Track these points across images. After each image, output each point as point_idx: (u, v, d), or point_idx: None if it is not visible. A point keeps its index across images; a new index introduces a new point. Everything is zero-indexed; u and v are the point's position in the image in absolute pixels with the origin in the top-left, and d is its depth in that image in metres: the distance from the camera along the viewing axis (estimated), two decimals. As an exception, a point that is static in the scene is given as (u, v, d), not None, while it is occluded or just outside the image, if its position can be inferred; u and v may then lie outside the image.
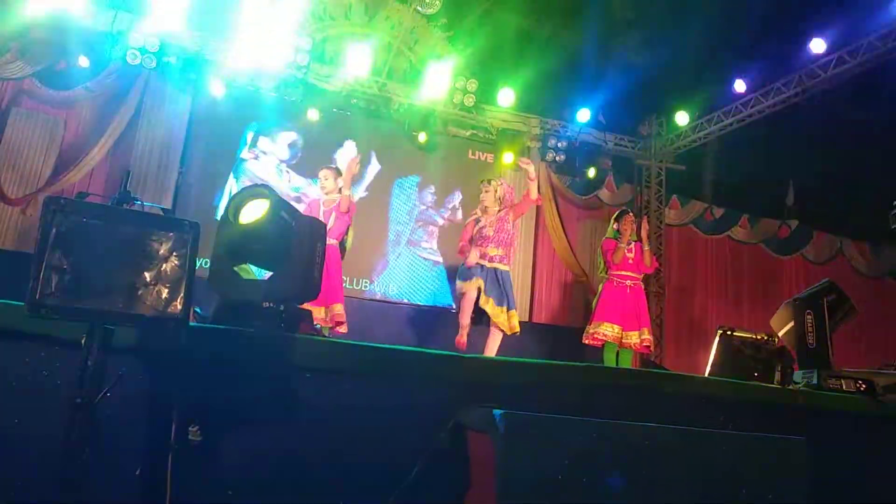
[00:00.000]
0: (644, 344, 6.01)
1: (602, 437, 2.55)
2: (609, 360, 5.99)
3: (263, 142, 8.64)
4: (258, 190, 2.65)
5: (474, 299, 5.27)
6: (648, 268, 6.30)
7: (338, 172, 5.62)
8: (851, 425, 3.56)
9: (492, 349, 5.34)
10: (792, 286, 10.73)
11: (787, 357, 3.87)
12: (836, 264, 11.31)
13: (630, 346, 6.00)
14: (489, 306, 5.22)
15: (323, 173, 5.64)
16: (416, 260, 9.20)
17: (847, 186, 9.74)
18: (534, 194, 5.54)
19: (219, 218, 2.81)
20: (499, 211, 5.44)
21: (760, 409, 3.41)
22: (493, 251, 5.35)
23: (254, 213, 2.59)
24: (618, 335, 5.96)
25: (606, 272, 6.22)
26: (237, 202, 2.65)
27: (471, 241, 5.48)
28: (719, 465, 2.66)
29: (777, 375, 3.78)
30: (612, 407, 2.88)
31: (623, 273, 6.13)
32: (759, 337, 3.97)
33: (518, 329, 5.35)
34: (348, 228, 5.55)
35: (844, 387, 3.86)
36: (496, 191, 5.47)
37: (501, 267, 5.36)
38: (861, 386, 3.85)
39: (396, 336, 8.06)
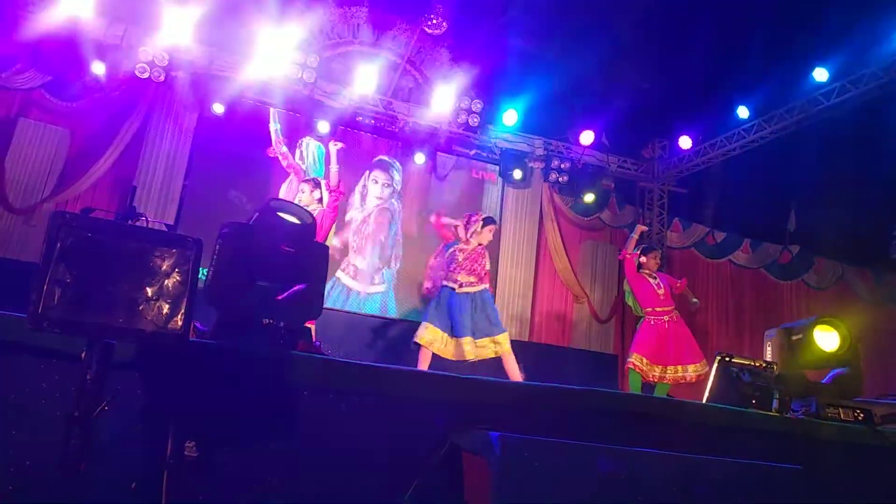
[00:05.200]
0: (694, 377, 5.93)
1: (597, 463, 2.55)
2: (635, 382, 5.98)
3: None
4: (297, 210, 2.66)
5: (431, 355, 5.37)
6: (678, 289, 6.30)
7: (315, 185, 5.69)
8: (848, 454, 3.55)
9: (514, 371, 5.40)
10: (793, 311, 10.71)
11: (785, 385, 3.87)
12: (837, 290, 11.30)
13: (681, 381, 5.94)
14: (464, 347, 5.30)
15: (301, 186, 5.74)
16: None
17: (849, 213, 9.76)
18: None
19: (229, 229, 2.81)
20: (477, 246, 5.57)
21: (757, 436, 3.40)
22: (463, 278, 5.45)
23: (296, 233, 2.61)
24: (645, 368, 5.93)
25: (642, 311, 6.23)
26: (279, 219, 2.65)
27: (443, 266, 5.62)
28: (714, 493, 2.65)
29: (775, 403, 3.78)
30: (608, 431, 2.88)
31: (658, 310, 6.12)
32: (757, 363, 3.96)
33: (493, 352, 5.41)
34: (330, 228, 5.63)
35: (842, 416, 3.85)
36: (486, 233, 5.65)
37: (473, 290, 5.46)
38: (859, 415, 3.84)
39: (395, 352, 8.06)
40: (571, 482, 2.49)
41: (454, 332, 5.34)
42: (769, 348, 4.27)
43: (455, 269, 5.49)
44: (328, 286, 8.44)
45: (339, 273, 8.69)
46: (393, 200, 9.26)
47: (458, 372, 5.08)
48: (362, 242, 8.94)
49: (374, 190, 9.16)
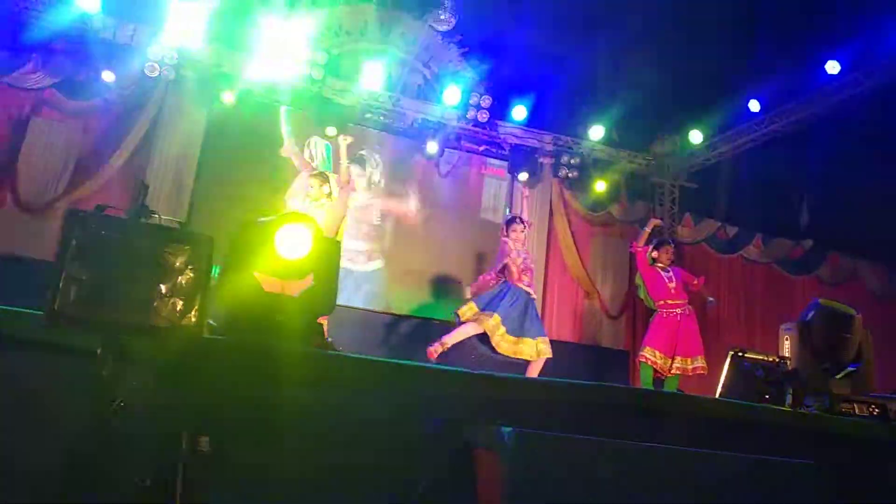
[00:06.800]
0: (697, 372, 6.03)
1: (610, 457, 2.55)
2: (646, 377, 6.02)
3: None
4: (300, 217, 2.70)
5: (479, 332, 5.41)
6: (695, 287, 6.34)
7: (323, 178, 5.67)
8: (862, 450, 3.52)
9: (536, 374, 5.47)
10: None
11: (798, 380, 3.85)
12: (850, 286, 11.20)
13: (680, 372, 6.01)
14: (515, 345, 5.38)
15: (310, 181, 5.70)
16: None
17: (863, 207, 9.68)
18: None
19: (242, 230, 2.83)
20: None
21: (770, 432, 3.39)
22: (527, 279, 5.62)
23: (299, 244, 2.66)
24: (659, 361, 5.99)
25: (654, 304, 6.27)
26: (279, 230, 2.69)
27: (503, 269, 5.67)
28: (727, 488, 2.64)
29: (788, 398, 3.76)
30: (621, 427, 2.88)
31: (669, 302, 6.15)
32: (770, 359, 3.95)
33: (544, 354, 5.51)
34: (340, 223, 5.63)
35: (857, 411, 3.83)
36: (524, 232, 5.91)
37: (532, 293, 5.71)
38: (874, 410, 3.81)
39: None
40: (583, 478, 2.49)
41: (524, 332, 5.42)
42: (786, 343, 4.22)
43: (526, 271, 5.64)
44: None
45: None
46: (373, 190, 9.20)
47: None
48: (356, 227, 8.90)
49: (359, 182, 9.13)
